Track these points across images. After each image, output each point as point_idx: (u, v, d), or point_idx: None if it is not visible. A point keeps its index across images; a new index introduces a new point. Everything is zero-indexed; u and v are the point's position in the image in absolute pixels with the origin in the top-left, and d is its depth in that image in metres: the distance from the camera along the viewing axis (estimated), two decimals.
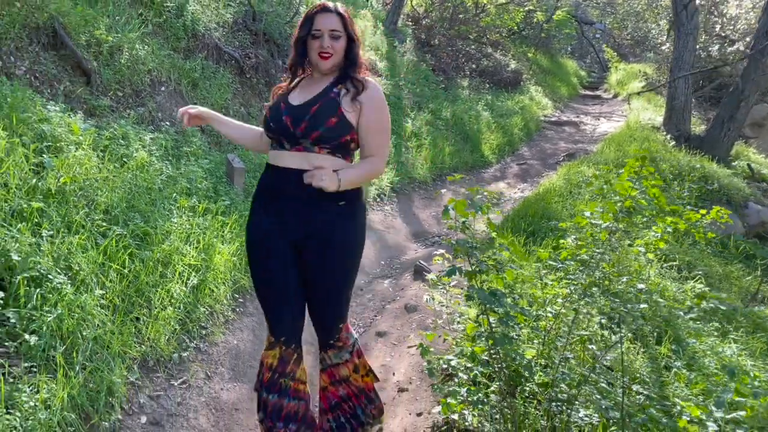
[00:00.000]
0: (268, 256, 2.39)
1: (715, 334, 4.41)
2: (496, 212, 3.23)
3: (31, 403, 2.23)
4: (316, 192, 2.24)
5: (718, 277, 5.86)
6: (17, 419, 2.14)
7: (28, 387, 2.28)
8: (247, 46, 7.17)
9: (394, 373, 3.42)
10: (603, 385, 2.38)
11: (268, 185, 2.40)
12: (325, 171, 2.21)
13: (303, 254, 2.39)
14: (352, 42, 2.33)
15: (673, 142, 9.83)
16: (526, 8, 16.90)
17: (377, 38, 10.69)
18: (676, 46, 10.05)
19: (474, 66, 12.92)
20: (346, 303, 2.57)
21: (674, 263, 5.46)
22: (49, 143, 3.78)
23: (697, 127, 11.14)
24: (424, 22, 13.91)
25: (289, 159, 2.30)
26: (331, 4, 2.31)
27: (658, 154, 8.25)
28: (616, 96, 17.67)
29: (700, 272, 5.51)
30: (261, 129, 2.52)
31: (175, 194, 4.25)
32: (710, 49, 12.37)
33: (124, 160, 4.27)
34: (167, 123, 5.39)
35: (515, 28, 17.01)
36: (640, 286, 4.44)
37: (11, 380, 2.28)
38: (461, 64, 12.69)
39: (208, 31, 6.59)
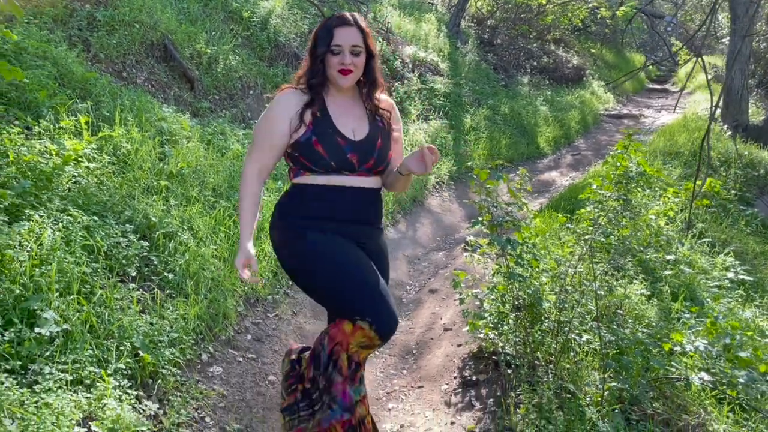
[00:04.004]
0: (352, 249, 2.31)
1: (738, 300, 4.89)
2: (527, 188, 3.94)
3: (174, 317, 3.14)
4: (377, 215, 2.41)
5: (753, 254, 6.29)
6: (166, 325, 3.05)
7: (171, 306, 3.20)
8: None
9: (441, 318, 4.20)
10: (591, 307, 3.07)
11: (326, 211, 2.31)
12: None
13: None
14: (371, 57, 2.31)
15: (729, 133, 10.10)
16: (590, 5, 17.22)
17: (440, 40, 11.44)
18: (731, 38, 10.32)
19: (534, 63, 13.45)
20: None
21: (707, 239, 5.94)
22: (167, 137, 4.75)
23: (758, 117, 11.32)
24: (488, 23, 14.55)
25: (352, 181, 2.32)
26: (350, 17, 2.27)
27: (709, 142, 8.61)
28: (683, 89, 17.70)
29: (732, 248, 5.97)
30: (257, 181, 2.37)
31: None
32: None
33: (223, 151, 5.22)
34: (255, 121, 6.36)
35: (579, 24, 17.35)
36: (669, 257, 5.08)
37: (158, 301, 3.19)
38: (522, 62, 13.26)
39: (287, 41, 7.56)
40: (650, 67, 21.69)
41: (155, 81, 5.67)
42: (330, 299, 2.36)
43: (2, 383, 2.21)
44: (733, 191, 7.45)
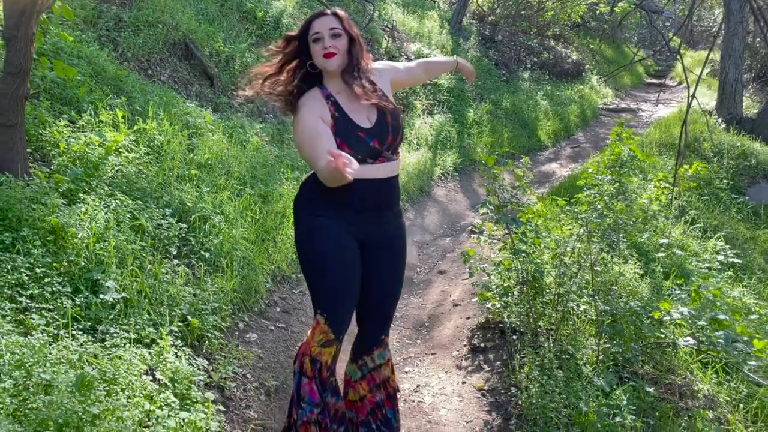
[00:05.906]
0: (345, 254, 2.40)
1: (728, 280, 5.22)
2: (530, 174, 4.29)
3: (213, 288, 3.50)
4: (395, 200, 2.50)
5: (743, 239, 6.64)
6: (208, 296, 3.41)
7: (210, 280, 3.55)
8: None
9: (450, 295, 4.56)
10: (587, 277, 3.43)
11: (348, 199, 2.36)
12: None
13: (375, 250, 2.50)
14: (353, 41, 2.36)
15: (724, 125, 10.44)
16: (589, 1, 17.52)
17: (443, 37, 11.78)
18: (726, 33, 10.66)
19: (535, 59, 13.79)
20: None
21: (699, 225, 6.29)
22: (194, 130, 5.10)
23: (752, 111, 11.65)
24: (489, 20, 14.88)
25: (376, 171, 2.36)
26: (325, 9, 2.39)
27: (702, 135, 8.96)
28: (680, 83, 18.02)
29: (723, 233, 6.30)
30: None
31: (283, 168, 5.53)
32: (767, 34, 12.76)
33: (244, 143, 5.57)
34: (270, 116, 6.71)
35: (578, 20, 17.66)
36: (663, 240, 5.42)
37: (201, 275, 3.54)
38: (522, 58, 13.59)
39: None
40: (648, 61, 22.00)
41: (178, 78, 6.02)
42: (307, 283, 2.52)
43: (78, 339, 2.57)
44: (725, 180, 7.79)
